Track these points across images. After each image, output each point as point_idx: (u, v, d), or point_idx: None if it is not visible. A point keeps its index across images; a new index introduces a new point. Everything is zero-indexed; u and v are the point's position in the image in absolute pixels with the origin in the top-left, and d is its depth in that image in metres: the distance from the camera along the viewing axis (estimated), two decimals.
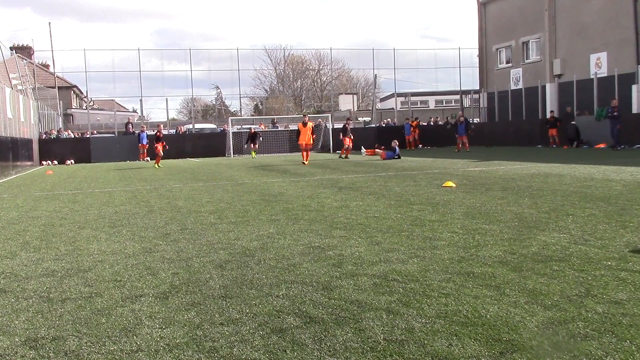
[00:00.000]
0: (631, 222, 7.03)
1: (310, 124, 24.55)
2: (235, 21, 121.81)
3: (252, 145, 33.99)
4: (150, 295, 4.66)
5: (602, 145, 29.03)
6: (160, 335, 3.72)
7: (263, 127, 40.44)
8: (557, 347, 3.25)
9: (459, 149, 30.58)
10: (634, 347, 3.20)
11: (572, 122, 31.09)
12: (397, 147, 26.04)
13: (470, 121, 38.50)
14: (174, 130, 40.82)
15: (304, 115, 25.64)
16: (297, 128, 25.93)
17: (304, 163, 23.16)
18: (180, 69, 67.59)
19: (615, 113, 26.77)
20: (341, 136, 30.17)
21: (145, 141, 32.05)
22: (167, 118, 42.60)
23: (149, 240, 7.16)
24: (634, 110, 29.87)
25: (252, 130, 34.89)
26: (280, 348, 3.43)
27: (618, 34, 31.31)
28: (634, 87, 29.70)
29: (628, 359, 3.06)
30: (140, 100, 42.08)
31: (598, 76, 31.65)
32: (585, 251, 5.56)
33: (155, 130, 29.04)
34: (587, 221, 7.22)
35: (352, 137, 29.92)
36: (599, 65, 32.61)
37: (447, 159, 23.19)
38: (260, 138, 35.38)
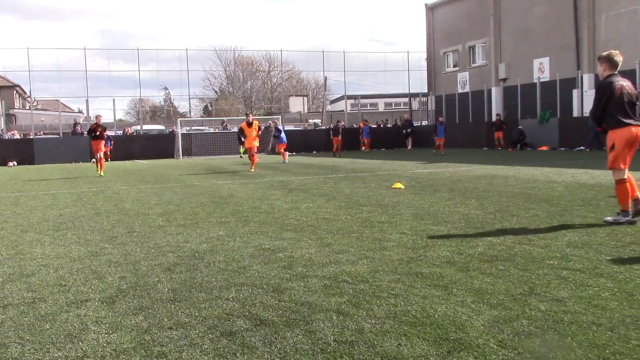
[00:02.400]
0: (572, 222, 7.26)
1: (256, 123, 21.16)
2: (182, 22, 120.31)
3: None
4: (97, 299, 4.56)
5: (544, 148, 29.89)
6: (107, 340, 3.65)
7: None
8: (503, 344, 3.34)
9: (435, 151, 29.59)
10: (575, 344, 3.30)
11: (519, 127, 31.90)
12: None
13: (415, 124, 39.25)
14: (122, 132, 40.07)
15: (247, 115, 22.31)
16: (240, 128, 22.66)
17: (250, 170, 20.07)
18: (128, 69, 66.33)
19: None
20: (332, 136, 33.08)
21: (109, 143, 31.16)
22: (115, 119, 41.76)
23: (95, 243, 7.01)
24: (574, 114, 30.88)
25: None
26: (230, 351, 3.40)
27: (559, 40, 32.32)
28: (575, 92, 30.71)
29: (570, 355, 3.16)
30: (87, 101, 41.15)
31: (541, 80, 32.60)
32: (529, 251, 5.72)
33: (92, 123, 26.06)
34: (531, 222, 7.42)
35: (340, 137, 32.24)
36: (541, 70, 33.59)
37: (396, 161, 23.47)
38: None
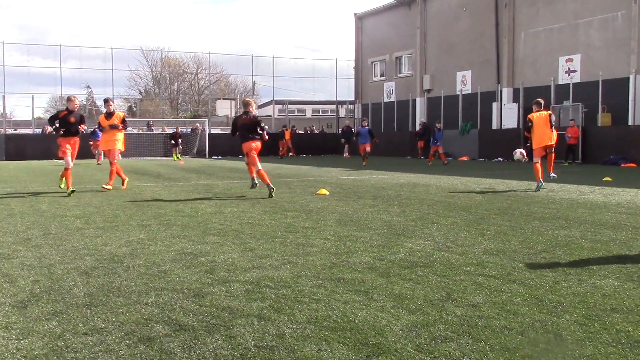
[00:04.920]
0: (488, 230, 7.53)
1: (118, 115, 14.02)
2: (106, 20, 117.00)
3: (174, 147, 34.66)
4: (7, 304, 4.36)
5: (465, 158, 30.86)
6: (17, 347, 3.50)
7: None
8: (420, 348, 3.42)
9: (432, 162, 25.86)
10: (487, 347, 3.43)
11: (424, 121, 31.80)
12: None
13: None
14: (40, 130, 38.53)
15: (105, 102, 14.18)
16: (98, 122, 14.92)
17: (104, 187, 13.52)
18: (48, 66, 63.88)
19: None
20: (343, 141, 33.12)
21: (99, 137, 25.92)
22: (33, 117, 40.09)
23: (7, 245, 6.70)
24: (494, 126, 32.06)
25: (176, 132, 35.76)
26: (147, 357, 3.33)
27: (481, 55, 33.51)
28: (494, 105, 31.90)
29: (482, 358, 3.28)
30: (3, 97, 39.34)
31: (463, 93, 33.70)
32: (448, 257, 5.89)
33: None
34: (450, 229, 7.64)
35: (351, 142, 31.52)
36: (464, 82, 34.72)
37: (322, 167, 23.63)
38: (180, 139, 35.41)
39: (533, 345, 3.46)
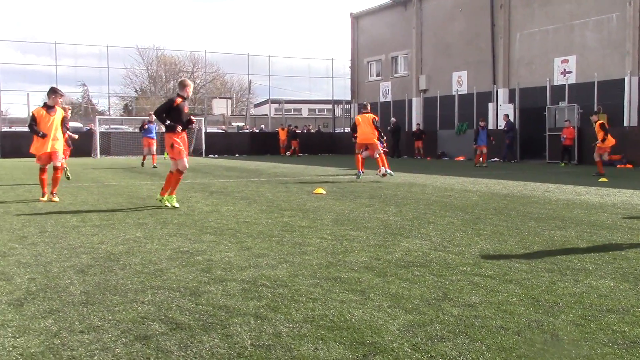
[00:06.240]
0: (485, 230, 7.54)
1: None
2: (101, 18, 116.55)
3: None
4: (3, 302, 4.35)
5: (461, 158, 30.91)
6: (12, 344, 3.49)
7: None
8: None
9: (478, 162, 24.14)
10: (484, 347, 3.43)
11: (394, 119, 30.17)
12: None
13: (337, 130, 39.52)
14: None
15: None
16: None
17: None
18: (43, 63, 63.63)
19: (505, 128, 28.63)
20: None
21: (152, 134, 23.37)
22: (29, 115, 39.94)
23: (3, 243, 6.68)
24: (490, 126, 32.07)
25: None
26: (144, 355, 3.33)
27: (477, 55, 33.54)
28: (490, 105, 31.95)
29: (479, 358, 3.29)
30: None
31: (459, 93, 33.73)
32: (444, 257, 5.89)
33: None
34: (447, 229, 7.65)
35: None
36: (460, 82, 34.74)
37: (319, 167, 23.63)
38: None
39: (529, 346, 3.46)
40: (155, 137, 23.53)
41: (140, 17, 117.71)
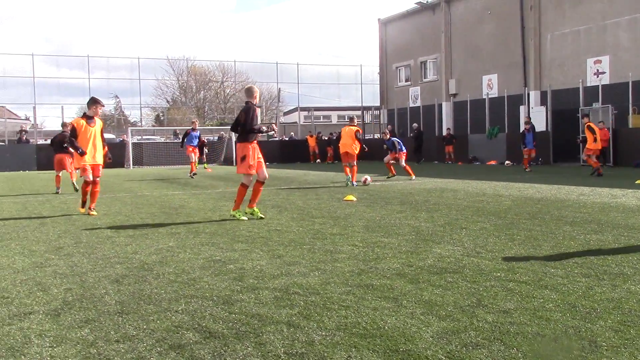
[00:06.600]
0: (518, 235, 7.44)
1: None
2: (132, 31, 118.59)
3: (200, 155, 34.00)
4: (41, 312, 4.43)
5: (492, 162, 30.57)
6: (50, 354, 3.55)
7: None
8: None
9: (527, 166, 22.77)
10: (520, 354, 3.38)
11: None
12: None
13: (367, 137, 39.37)
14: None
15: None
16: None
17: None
18: (76, 77, 64.87)
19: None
20: (385, 147, 32.72)
21: (195, 143, 23.02)
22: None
23: (40, 254, 6.81)
24: (522, 129, 31.68)
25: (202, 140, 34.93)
26: None
27: (507, 58, 33.21)
28: (522, 108, 31.56)
29: None
30: (34, 108, 40.15)
31: (489, 96, 33.40)
32: (477, 263, 5.83)
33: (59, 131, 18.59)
34: (479, 234, 7.57)
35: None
36: (490, 86, 34.44)
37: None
38: (205, 149, 32.41)
39: (567, 352, 3.40)
40: (196, 145, 23.24)
41: (169, 28, 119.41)
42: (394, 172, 19.69)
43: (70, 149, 11.72)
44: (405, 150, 19.96)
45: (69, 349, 3.64)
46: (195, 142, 23.05)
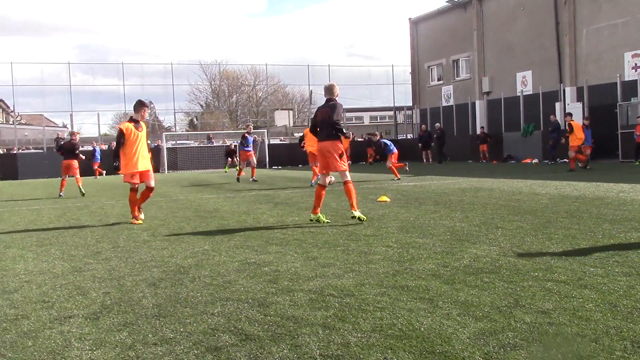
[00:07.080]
0: (556, 234, 7.31)
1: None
2: (165, 37, 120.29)
3: (229, 159, 34.85)
4: (80, 316, 4.51)
5: (528, 161, 30.12)
6: (90, 357, 3.61)
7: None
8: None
9: (584, 164, 21.71)
10: (559, 355, 3.31)
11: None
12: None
13: (400, 137, 39.05)
14: (107, 146, 39.92)
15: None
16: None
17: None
18: (111, 84, 66.05)
19: (550, 128, 27.79)
20: (420, 146, 33.73)
21: (250, 148, 22.59)
22: (99, 133, 41.60)
23: (79, 259, 6.94)
24: (559, 125, 31.16)
25: (232, 146, 35.67)
26: None
27: (542, 54, 32.70)
28: (557, 105, 31.04)
29: None
30: (71, 115, 41.04)
31: (524, 94, 32.93)
32: (514, 263, 5.74)
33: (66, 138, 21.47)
34: (516, 234, 7.46)
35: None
36: (524, 83, 33.95)
37: (383, 174, 23.50)
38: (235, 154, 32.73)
39: (608, 353, 3.32)
40: (252, 150, 22.67)
41: (201, 33, 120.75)
42: (397, 175, 19.22)
43: (81, 156, 12.30)
44: (395, 152, 19.64)
45: (108, 352, 3.69)
46: (251, 147, 22.42)
